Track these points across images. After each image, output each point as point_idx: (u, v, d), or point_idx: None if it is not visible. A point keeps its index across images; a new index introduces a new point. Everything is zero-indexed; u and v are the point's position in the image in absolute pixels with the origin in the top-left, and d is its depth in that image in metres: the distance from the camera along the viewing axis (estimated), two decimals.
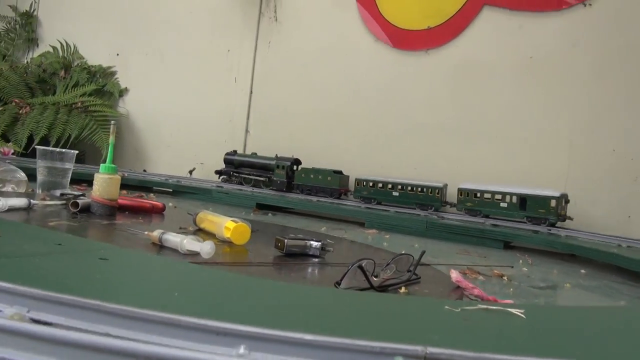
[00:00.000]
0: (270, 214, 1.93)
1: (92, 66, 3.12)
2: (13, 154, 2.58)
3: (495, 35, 2.03)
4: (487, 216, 1.86)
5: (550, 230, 1.70)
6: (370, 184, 2.12)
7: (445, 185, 1.99)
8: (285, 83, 2.48)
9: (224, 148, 2.63)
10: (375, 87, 2.26)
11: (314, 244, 0.90)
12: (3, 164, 1.47)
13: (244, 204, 2.09)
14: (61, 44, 3.24)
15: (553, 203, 1.71)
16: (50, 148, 1.49)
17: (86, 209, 1.18)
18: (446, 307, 0.48)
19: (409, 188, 2.03)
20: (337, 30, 2.37)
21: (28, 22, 3.43)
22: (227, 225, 0.96)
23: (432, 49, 2.16)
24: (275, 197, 2.16)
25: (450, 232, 1.66)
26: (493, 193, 1.84)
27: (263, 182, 2.39)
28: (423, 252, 0.84)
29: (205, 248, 0.77)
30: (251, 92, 2.57)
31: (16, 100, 2.91)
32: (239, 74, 2.61)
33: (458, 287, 0.77)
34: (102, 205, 1.16)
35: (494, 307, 0.49)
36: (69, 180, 1.54)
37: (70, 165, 1.53)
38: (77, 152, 1.55)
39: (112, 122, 1.23)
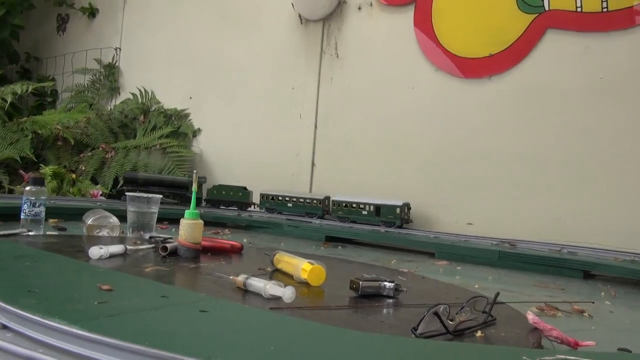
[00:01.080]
0: (339, 247, 1.98)
1: (167, 110, 3.36)
2: (101, 195, 2.82)
3: (560, 57, 1.99)
4: (353, 221, 2.35)
5: (631, 259, 1.62)
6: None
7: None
8: (349, 116, 2.56)
9: (292, 182, 2.72)
10: (438, 116, 2.28)
11: (388, 284, 0.94)
12: (99, 210, 1.63)
13: (313, 237, 2.15)
14: (140, 91, 3.51)
15: (398, 210, 2.22)
16: (138, 194, 1.63)
17: (173, 252, 1.28)
18: (524, 357, 0.50)
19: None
20: (397, 63, 2.42)
21: (111, 72, 3.76)
22: (304, 267, 1.02)
23: (495, 75, 2.15)
24: (344, 229, 2.21)
25: (525, 261, 1.63)
26: (358, 203, 2.34)
27: (177, 199, 2.63)
28: (497, 294, 0.85)
29: (287, 293, 0.82)
30: (316, 127, 2.67)
31: (103, 145, 3.19)
32: (304, 110, 2.71)
33: (536, 328, 0.77)
34: (188, 248, 1.26)
35: (573, 358, 0.50)
36: (155, 222, 1.67)
37: (155, 209, 1.66)
38: (161, 196, 1.69)
39: (194, 171, 1.33)
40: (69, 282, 0.74)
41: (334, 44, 2.62)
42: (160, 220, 1.79)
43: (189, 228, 1.26)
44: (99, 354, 0.45)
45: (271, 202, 2.60)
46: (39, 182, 1.63)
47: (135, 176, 2.54)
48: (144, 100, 3.51)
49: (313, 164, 2.66)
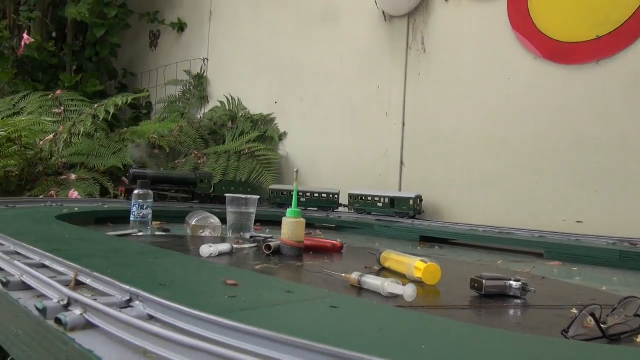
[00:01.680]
0: (436, 247, 1.90)
1: (254, 115, 3.44)
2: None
3: None
4: (369, 213, 2.47)
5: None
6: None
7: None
8: (439, 113, 2.46)
9: (380, 182, 2.67)
10: (539, 107, 2.13)
11: (514, 284, 0.86)
12: (201, 212, 1.68)
13: (406, 237, 2.09)
14: (227, 98, 3.63)
15: (411, 202, 2.34)
16: (237, 195, 1.67)
17: (277, 251, 1.28)
18: None
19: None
20: (490, 53, 2.30)
21: (200, 82, 3.92)
22: (417, 266, 0.97)
23: (604, 59, 1.97)
24: (439, 228, 2.12)
25: None
26: (373, 196, 2.47)
27: (186, 196, 2.50)
28: None
29: (408, 292, 0.78)
30: (404, 125, 2.60)
31: (195, 151, 3.32)
32: (390, 108, 2.65)
33: None
34: (291, 247, 1.25)
35: None
36: (253, 222, 1.70)
37: (253, 210, 1.69)
38: (259, 197, 1.71)
39: (295, 170, 1.33)
40: (193, 276, 0.75)
41: (420, 38, 2.55)
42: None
43: (291, 227, 1.26)
44: (251, 345, 0.43)
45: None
46: (145, 185, 1.71)
47: (144, 174, 2.36)
48: (231, 107, 3.63)
49: (402, 163, 2.60)
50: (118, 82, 4.67)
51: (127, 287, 0.52)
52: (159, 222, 1.99)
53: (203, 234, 1.59)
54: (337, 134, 2.92)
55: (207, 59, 3.89)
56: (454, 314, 0.77)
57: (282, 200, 2.73)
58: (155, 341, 0.40)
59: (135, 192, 1.68)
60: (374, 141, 2.72)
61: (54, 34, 4.49)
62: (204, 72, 3.93)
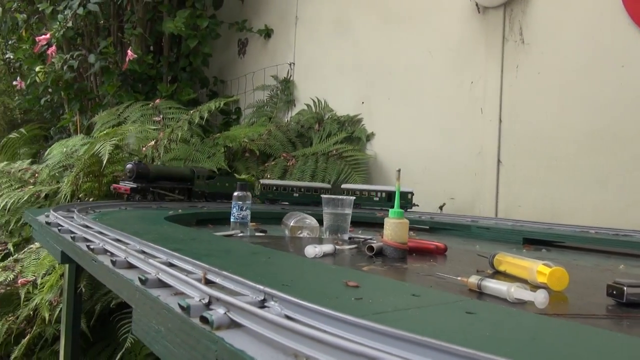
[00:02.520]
0: (543, 250, 1.77)
1: (340, 117, 3.45)
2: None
3: None
4: (365, 207, 2.51)
5: None
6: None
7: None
8: (541, 107, 2.31)
9: (474, 182, 2.56)
10: None
11: None
12: (298, 213, 1.70)
13: (508, 239, 1.97)
14: (314, 101, 3.67)
15: (409, 196, 2.47)
16: (333, 196, 1.66)
17: (379, 252, 1.25)
18: None
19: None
20: (599, 40, 2.11)
21: (286, 87, 4.00)
22: (541, 270, 0.90)
23: None
24: (544, 229, 1.98)
25: None
26: (369, 190, 2.57)
27: (182, 194, 2.31)
28: None
29: (540, 298, 0.72)
30: (500, 121, 2.46)
31: (284, 154, 3.39)
32: (485, 104, 2.53)
33: None
34: (395, 248, 1.22)
35: None
36: (349, 223, 1.68)
37: (349, 211, 1.68)
38: (354, 198, 1.69)
39: (397, 169, 1.29)
40: (311, 277, 0.74)
41: (518, 29, 2.40)
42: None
43: (395, 227, 1.23)
44: (398, 350, 0.41)
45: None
46: (245, 188, 1.76)
47: (146, 169, 2.18)
48: (317, 110, 3.66)
49: (499, 161, 2.46)
50: (209, 89, 4.89)
51: (261, 287, 0.52)
52: (254, 224, 2.04)
53: (301, 235, 1.60)
54: (427, 133, 2.84)
55: (294, 63, 3.96)
56: (594, 324, 0.70)
57: (273, 196, 2.64)
58: (304, 342, 0.39)
59: (235, 194, 1.73)
60: (468, 139, 2.60)
61: (151, 48, 4.80)
62: (290, 76, 4.00)
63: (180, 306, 0.49)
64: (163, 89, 4.41)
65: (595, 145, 2.11)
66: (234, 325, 0.45)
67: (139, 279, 0.61)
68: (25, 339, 2.32)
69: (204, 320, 0.45)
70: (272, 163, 3.35)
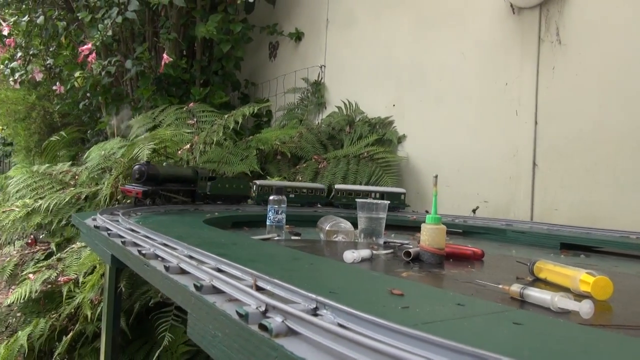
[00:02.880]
0: (582, 255, 1.74)
1: (372, 119, 3.45)
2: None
3: None
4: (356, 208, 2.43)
5: None
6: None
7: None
8: (578, 108, 2.26)
9: (509, 185, 2.53)
10: None
11: None
12: (333, 217, 1.72)
13: (545, 244, 1.94)
14: (344, 103, 3.69)
15: (402, 196, 2.57)
16: (367, 200, 1.67)
17: (415, 258, 1.26)
18: None
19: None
20: None
21: (317, 89, 4.03)
22: (584, 279, 0.89)
23: None
24: (582, 235, 1.95)
25: None
26: (361, 191, 2.59)
27: (186, 196, 2.19)
28: None
29: (585, 308, 0.72)
30: (536, 123, 2.43)
31: (315, 156, 3.41)
32: (520, 106, 2.50)
33: None
34: (432, 254, 1.22)
35: None
36: (384, 227, 1.69)
37: (384, 215, 1.68)
38: (389, 202, 1.70)
39: (435, 175, 1.30)
40: (356, 284, 0.76)
41: (554, 29, 2.36)
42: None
43: (432, 233, 1.23)
44: None
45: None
46: (279, 192, 1.79)
47: (156, 171, 2.01)
48: (348, 112, 3.67)
49: (534, 164, 2.43)
50: (241, 92, 4.97)
51: (313, 296, 0.54)
52: (288, 226, 2.07)
53: (336, 239, 1.62)
54: (460, 135, 2.81)
55: (324, 66, 3.98)
56: None
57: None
58: (360, 351, 0.41)
59: (271, 197, 1.76)
60: (502, 142, 2.57)
61: (184, 52, 4.90)
62: (321, 78, 4.02)
63: (238, 313, 0.52)
64: (196, 92, 4.50)
65: (636, 147, 2.06)
66: (290, 333, 0.47)
67: (195, 285, 0.63)
68: (69, 335, 2.41)
69: (263, 327, 0.47)
70: (304, 165, 3.39)
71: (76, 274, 2.47)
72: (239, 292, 0.59)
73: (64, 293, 2.45)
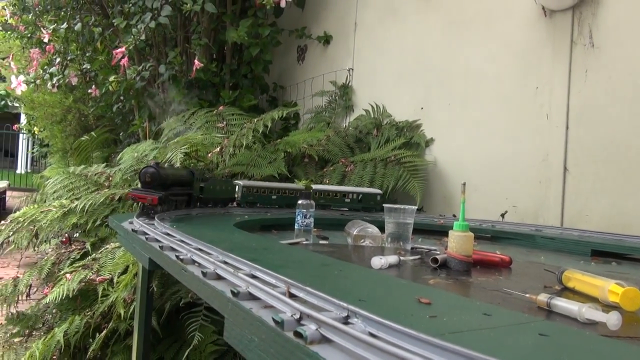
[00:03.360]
0: (613, 263, 1.72)
1: (399, 122, 3.45)
2: None
3: None
4: (332, 208, 2.61)
5: None
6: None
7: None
8: (612, 113, 2.22)
9: (538, 190, 2.50)
10: None
11: None
12: (360, 222, 1.74)
13: (574, 251, 1.92)
14: (372, 107, 3.70)
15: (378, 197, 2.63)
16: (395, 205, 1.69)
17: (443, 264, 1.27)
18: None
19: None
20: None
21: (345, 92, 4.05)
22: (613, 289, 0.89)
23: None
24: (613, 241, 1.91)
25: None
26: (340, 192, 2.64)
27: (185, 200, 2.02)
28: None
29: (612, 319, 0.72)
30: (567, 128, 2.40)
31: (342, 160, 3.44)
32: (551, 110, 2.47)
33: None
34: (460, 261, 1.24)
35: None
36: (411, 233, 1.71)
37: (411, 220, 1.70)
38: (416, 207, 1.71)
39: (463, 182, 1.31)
40: (383, 291, 0.78)
41: (587, 32, 2.33)
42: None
43: (459, 240, 1.24)
44: None
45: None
46: (308, 196, 1.82)
47: (165, 174, 1.81)
48: (375, 115, 3.68)
49: (565, 168, 2.39)
50: (269, 95, 5.03)
51: (345, 304, 0.57)
52: (316, 229, 2.11)
53: (364, 244, 1.64)
54: (489, 138, 2.80)
55: (352, 69, 4.00)
56: None
57: (253, 199, 2.50)
58: None
59: (300, 202, 1.79)
60: (532, 145, 2.55)
61: (214, 56, 5.00)
62: (349, 82, 4.05)
63: (274, 320, 0.55)
64: (226, 95, 4.58)
65: None
66: (324, 340, 0.50)
67: (232, 292, 0.67)
68: (103, 333, 2.50)
69: (298, 335, 0.50)
70: (331, 168, 3.41)
71: (111, 274, 2.56)
72: (273, 300, 0.62)
73: (100, 292, 2.54)
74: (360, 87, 3.94)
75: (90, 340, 2.72)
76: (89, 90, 5.36)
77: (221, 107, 4.14)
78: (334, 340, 0.49)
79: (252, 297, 0.66)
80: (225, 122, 3.90)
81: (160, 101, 4.80)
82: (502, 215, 2.63)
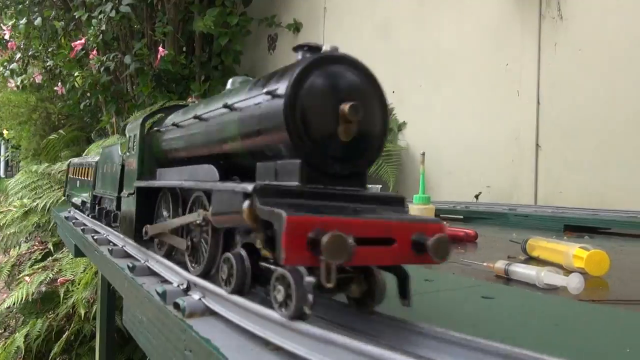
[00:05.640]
0: (586, 237, 1.65)
1: None
2: None
3: None
4: None
5: None
6: None
7: None
8: (583, 86, 2.16)
9: (512, 168, 2.44)
10: None
11: None
12: None
13: (548, 227, 1.85)
14: None
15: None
16: None
17: None
18: None
19: None
20: None
21: None
22: (578, 254, 0.81)
23: None
24: (587, 216, 1.85)
25: None
26: None
27: None
28: None
29: (573, 282, 0.64)
30: (538, 103, 2.33)
31: None
32: (522, 87, 2.40)
33: None
34: None
35: None
36: None
37: None
38: (379, 187, 1.63)
39: (422, 152, 1.23)
40: None
41: (555, 4, 2.26)
42: None
43: (419, 213, 1.16)
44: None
45: None
46: None
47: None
48: None
49: (537, 145, 2.33)
50: None
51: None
52: None
53: None
54: (461, 119, 2.72)
55: None
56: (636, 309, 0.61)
57: None
58: (277, 331, 0.34)
59: None
60: (504, 124, 2.48)
61: (184, 48, 4.86)
62: None
63: (157, 292, 0.45)
64: (196, 87, 4.45)
65: None
66: (208, 312, 0.40)
67: (128, 266, 0.57)
68: (64, 336, 2.38)
69: (177, 306, 0.41)
70: None
71: (72, 274, 2.44)
72: (170, 273, 0.52)
73: (62, 294, 2.41)
74: None
75: (55, 344, 2.59)
76: (55, 88, 5.18)
77: (190, 99, 4.01)
78: (219, 312, 0.40)
79: (151, 272, 0.57)
80: None
81: (127, 95, 4.66)
82: (476, 197, 2.57)
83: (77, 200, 1.24)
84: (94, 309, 2.37)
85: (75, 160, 1.72)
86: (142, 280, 0.54)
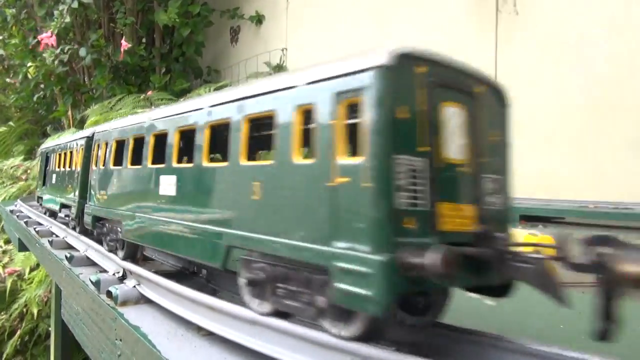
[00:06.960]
0: (540, 226, 1.70)
1: None
2: None
3: None
4: None
5: None
6: None
7: None
8: (538, 77, 2.21)
9: None
10: None
11: None
12: None
13: None
14: None
15: None
16: None
17: None
18: None
19: None
20: (602, 9, 2.01)
21: (279, 73, 3.92)
22: (526, 239, 0.83)
23: None
24: (541, 205, 1.91)
25: None
26: None
27: None
28: None
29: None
30: None
31: None
32: None
33: None
34: None
35: None
36: None
37: None
38: None
39: None
40: None
41: (511, 0, 2.31)
42: None
43: None
44: None
45: None
46: None
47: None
48: None
49: None
50: (203, 79, 4.83)
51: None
52: None
53: None
54: None
55: (286, 49, 3.88)
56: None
57: None
58: (210, 316, 0.33)
59: None
60: None
61: (143, 39, 4.73)
62: (283, 62, 3.92)
63: (91, 282, 0.44)
64: (156, 80, 4.35)
65: (598, 115, 2.02)
66: (142, 300, 0.39)
67: (66, 257, 0.55)
68: (16, 335, 2.28)
69: (110, 295, 0.39)
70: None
71: (21, 267, 2.34)
72: (107, 261, 0.50)
73: (8, 287, 2.31)
74: (295, 66, 3.82)
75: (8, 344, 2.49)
76: (8, 80, 4.97)
77: (149, 92, 3.92)
78: (153, 299, 0.38)
79: (90, 263, 0.54)
80: (153, 107, 3.69)
81: (84, 87, 4.51)
82: None
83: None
84: (48, 307, 2.29)
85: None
86: (80, 270, 0.52)
